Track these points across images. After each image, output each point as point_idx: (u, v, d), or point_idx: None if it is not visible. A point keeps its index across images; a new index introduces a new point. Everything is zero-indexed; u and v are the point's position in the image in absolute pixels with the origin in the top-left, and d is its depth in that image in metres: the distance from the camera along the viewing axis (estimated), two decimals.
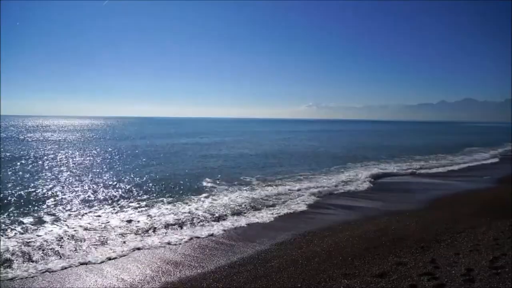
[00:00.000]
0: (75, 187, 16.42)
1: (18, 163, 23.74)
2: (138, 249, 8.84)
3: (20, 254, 8.25)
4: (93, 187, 16.48)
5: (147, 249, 8.89)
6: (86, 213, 11.91)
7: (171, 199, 14.21)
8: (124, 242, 9.30)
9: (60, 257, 8.25)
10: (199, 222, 11.10)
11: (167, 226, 10.63)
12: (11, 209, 12.18)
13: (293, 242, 9.19)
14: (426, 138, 65.58)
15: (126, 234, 9.89)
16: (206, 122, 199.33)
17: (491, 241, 8.13)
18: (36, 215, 11.56)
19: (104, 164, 24.56)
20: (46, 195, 14.55)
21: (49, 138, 52.05)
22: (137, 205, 13.09)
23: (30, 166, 22.86)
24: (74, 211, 12.17)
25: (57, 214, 11.71)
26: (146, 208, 12.71)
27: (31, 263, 7.89)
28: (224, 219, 11.52)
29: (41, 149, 34.47)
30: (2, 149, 32.90)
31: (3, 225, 10.32)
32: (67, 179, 18.31)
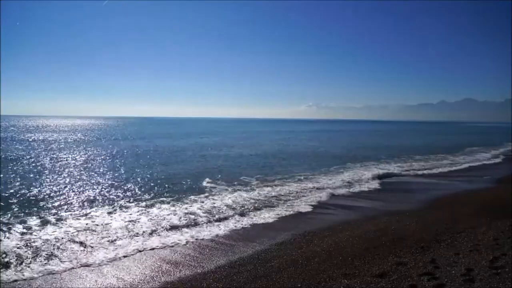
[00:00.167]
0: (75, 187, 16.43)
1: (19, 163, 23.75)
2: (139, 249, 8.84)
3: (21, 255, 8.26)
4: (93, 187, 16.49)
5: (147, 249, 8.89)
6: (86, 214, 11.90)
7: (171, 199, 14.21)
8: (125, 242, 9.31)
9: (61, 258, 8.24)
10: (199, 222, 11.10)
11: (167, 226, 10.64)
12: (11, 209, 12.19)
13: (293, 242, 9.19)
14: (426, 138, 65.58)
15: (127, 234, 9.89)
16: (206, 122, 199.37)
17: (491, 241, 8.13)
18: (36, 215, 11.55)
19: (104, 164, 24.56)
20: (46, 195, 14.56)
21: (49, 138, 52.06)
22: (137, 205, 13.09)
23: (30, 166, 22.86)
24: (75, 212, 12.17)
25: (57, 215, 11.71)
26: (146, 208, 12.71)
27: (31, 264, 7.88)
28: (223, 219, 11.52)
29: (41, 149, 34.47)
30: (2, 149, 32.90)
31: (4, 226, 10.32)
32: (67, 180, 18.31)
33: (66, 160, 26.83)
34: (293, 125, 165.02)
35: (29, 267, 7.70)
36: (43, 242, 9.07)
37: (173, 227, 10.57)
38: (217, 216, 11.77)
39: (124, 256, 8.40)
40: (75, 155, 30.01)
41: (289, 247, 8.80)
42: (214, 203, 13.41)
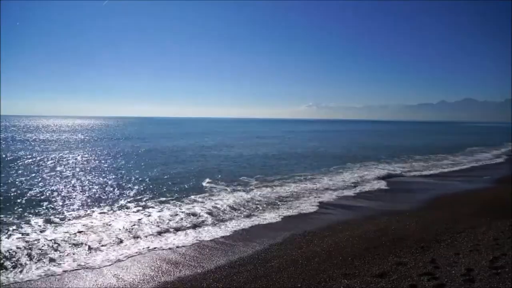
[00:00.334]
0: (76, 188, 16.43)
1: (19, 163, 23.75)
2: (139, 249, 8.85)
3: (21, 256, 8.26)
4: (93, 187, 16.49)
5: (147, 249, 8.89)
6: (87, 214, 11.91)
7: (172, 199, 14.21)
8: (125, 243, 9.31)
9: (61, 259, 8.24)
10: (199, 222, 11.11)
11: (167, 226, 10.64)
12: (12, 210, 12.18)
13: (293, 242, 9.19)
14: (426, 138, 65.56)
15: (127, 235, 9.90)
16: (206, 122, 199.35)
17: (491, 241, 8.13)
18: (37, 216, 11.56)
19: (104, 165, 24.56)
20: (46, 196, 14.56)
21: (50, 138, 52.06)
22: (137, 206, 13.09)
23: (31, 166, 22.86)
24: (75, 212, 12.18)
25: (58, 215, 11.71)
26: (146, 208, 12.71)
27: (31, 265, 7.89)
28: (223, 219, 11.53)
29: (42, 150, 34.47)
30: (2, 149, 32.90)
31: (4, 226, 10.31)
32: (67, 180, 18.32)
33: (67, 160, 26.82)
34: (293, 125, 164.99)
35: (29, 268, 7.71)
36: (43, 242, 9.06)
37: (173, 227, 10.57)
38: (217, 216, 11.77)
39: (125, 257, 8.40)
40: (76, 155, 30.01)
41: (289, 247, 8.80)
42: (214, 203, 13.40)
